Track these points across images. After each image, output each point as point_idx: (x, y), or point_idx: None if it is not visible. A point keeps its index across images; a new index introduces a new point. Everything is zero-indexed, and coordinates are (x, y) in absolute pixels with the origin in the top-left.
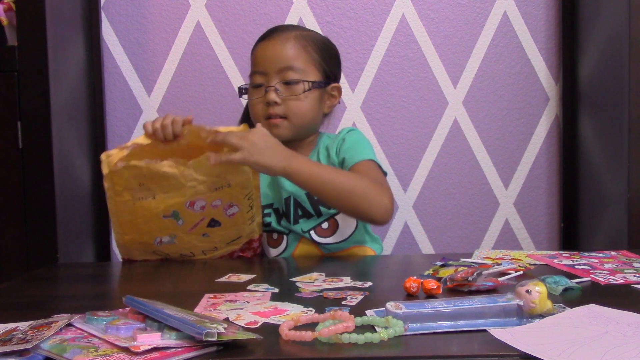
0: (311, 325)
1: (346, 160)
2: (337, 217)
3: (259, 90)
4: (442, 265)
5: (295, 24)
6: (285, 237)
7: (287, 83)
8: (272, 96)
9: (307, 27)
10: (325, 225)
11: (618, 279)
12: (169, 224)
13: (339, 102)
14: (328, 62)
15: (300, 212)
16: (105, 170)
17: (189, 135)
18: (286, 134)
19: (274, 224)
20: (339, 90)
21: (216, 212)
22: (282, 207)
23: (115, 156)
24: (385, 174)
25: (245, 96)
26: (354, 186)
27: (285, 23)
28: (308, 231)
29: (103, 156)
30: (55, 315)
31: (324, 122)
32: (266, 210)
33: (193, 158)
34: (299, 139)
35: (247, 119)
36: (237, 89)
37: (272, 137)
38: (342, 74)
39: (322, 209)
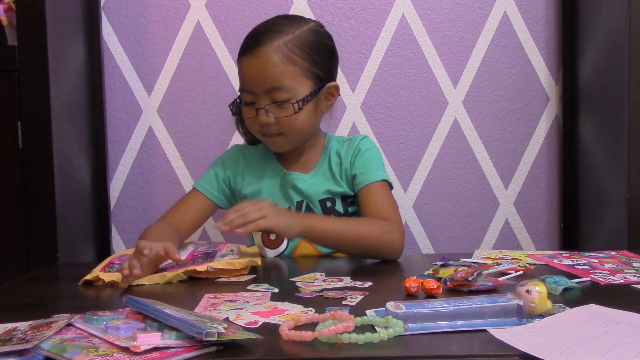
0: (311, 325)
1: (359, 177)
2: None
3: (251, 109)
4: (442, 265)
5: (275, 21)
6: (286, 238)
7: (277, 102)
8: (264, 119)
9: (290, 19)
10: None
11: (618, 279)
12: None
13: (337, 100)
14: (319, 63)
15: None
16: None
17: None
18: (285, 147)
19: None
20: (336, 88)
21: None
22: (293, 209)
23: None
24: (391, 187)
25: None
26: (367, 234)
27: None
28: None
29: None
30: (55, 315)
31: (322, 119)
32: None
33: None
34: (299, 144)
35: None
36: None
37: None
38: (342, 73)
39: (333, 217)
